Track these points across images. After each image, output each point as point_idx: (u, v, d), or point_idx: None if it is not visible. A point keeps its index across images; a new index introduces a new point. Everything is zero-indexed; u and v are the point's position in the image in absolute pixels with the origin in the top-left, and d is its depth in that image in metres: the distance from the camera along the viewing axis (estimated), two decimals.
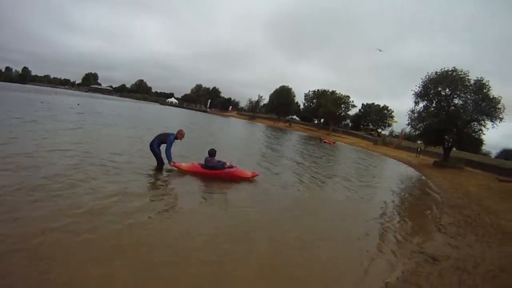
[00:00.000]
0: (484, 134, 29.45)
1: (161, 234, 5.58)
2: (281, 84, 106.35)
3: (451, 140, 30.92)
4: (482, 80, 28.21)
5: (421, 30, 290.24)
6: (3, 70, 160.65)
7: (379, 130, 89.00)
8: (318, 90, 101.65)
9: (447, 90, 29.93)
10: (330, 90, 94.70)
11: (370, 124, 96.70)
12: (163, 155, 9.98)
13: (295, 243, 6.31)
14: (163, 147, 10.01)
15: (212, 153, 10.32)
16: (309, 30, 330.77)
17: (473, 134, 29.52)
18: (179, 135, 10.23)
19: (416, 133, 34.03)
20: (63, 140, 12.18)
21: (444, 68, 30.38)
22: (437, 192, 16.60)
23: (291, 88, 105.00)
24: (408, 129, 36.19)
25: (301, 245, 6.24)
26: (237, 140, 28.38)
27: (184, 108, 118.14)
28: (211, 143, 17.96)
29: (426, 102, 32.17)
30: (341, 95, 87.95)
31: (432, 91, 31.00)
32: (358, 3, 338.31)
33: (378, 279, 5.32)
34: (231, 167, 10.45)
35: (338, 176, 16.04)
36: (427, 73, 31.59)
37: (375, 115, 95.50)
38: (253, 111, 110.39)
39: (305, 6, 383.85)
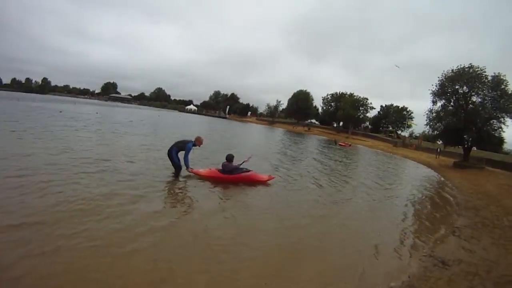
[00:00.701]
0: (504, 131, 28.52)
1: (193, 254, 5.24)
2: (300, 88, 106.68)
3: (470, 139, 30.03)
4: (499, 76, 27.36)
5: (439, 27, 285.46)
6: (23, 81, 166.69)
7: (399, 132, 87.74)
8: (336, 93, 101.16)
9: (465, 87, 29.16)
10: (348, 93, 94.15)
11: (389, 126, 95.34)
12: (182, 162, 10.09)
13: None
14: (181, 154, 10.12)
15: (229, 158, 10.51)
16: (326, 33, 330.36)
17: (493, 132, 28.56)
18: (197, 142, 10.38)
19: (435, 133, 33.22)
20: (82, 149, 12.63)
21: (461, 65, 29.61)
22: (455, 193, 15.98)
23: (309, 92, 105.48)
24: (426, 129, 35.28)
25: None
26: (257, 145, 28.54)
27: (203, 115, 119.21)
28: (232, 148, 18.75)
29: (444, 101, 31.39)
30: (359, 97, 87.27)
31: (449, 90, 30.24)
32: (375, 3, 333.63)
33: (383, 283, 5.17)
34: (247, 171, 10.62)
35: (358, 180, 15.76)
36: (444, 71, 30.89)
37: (394, 117, 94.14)
38: (272, 116, 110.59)
39: (321, 9, 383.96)
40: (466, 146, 30.80)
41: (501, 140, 30.84)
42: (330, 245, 6.63)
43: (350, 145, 47.62)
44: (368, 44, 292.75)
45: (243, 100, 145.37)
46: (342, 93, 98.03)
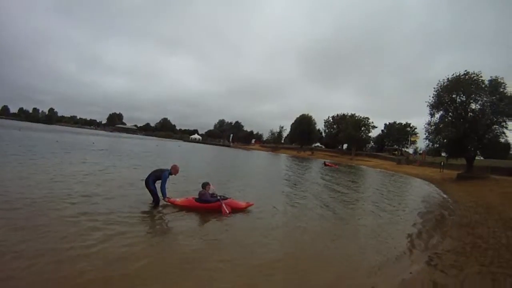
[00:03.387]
0: (507, 136, 26.63)
1: None
2: (312, 113, 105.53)
3: (473, 149, 28.17)
4: (496, 79, 25.82)
5: (450, 45, 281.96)
6: (31, 111, 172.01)
7: (404, 149, 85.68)
8: (337, 115, 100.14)
9: (462, 95, 27.53)
10: (349, 114, 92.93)
11: (393, 144, 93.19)
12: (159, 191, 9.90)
13: None
14: (158, 183, 9.89)
15: (204, 186, 10.26)
16: (341, 58, 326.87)
17: (496, 138, 26.75)
18: (173, 170, 10.14)
19: (435, 147, 31.37)
20: (58, 178, 12.28)
21: (456, 73, 28.22)
22: (452, 209, 14.05)
23: (311, 116, 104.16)
24: (425, 143, 33.46)
25: None
26: (257, 172, 27.81)
27: (207, 143, 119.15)
28: (233, 176, 19.85)
29: (442, 112, 29.73)
30: (360, 117, 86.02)
31: (446, 100, 28.59)
32: (387, 29, 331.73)
33: None
34: (225, 198, 10.26)
35: (346, 202, 14.37)
36: (439, 81, 29.46)
37: (398, 134, 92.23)
38: (276, 142, 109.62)
39: (337, 35, 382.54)
40: (468, 156, 28.98)
41: (507, 146, 28.68)
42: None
43: (336, 165, 47.08)
44: (382, 66, 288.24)
45: (252, 127, 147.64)
46: (343, 114, 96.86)
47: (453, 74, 28.36)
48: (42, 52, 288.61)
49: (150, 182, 9.78)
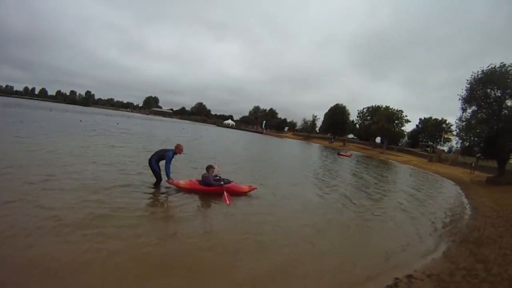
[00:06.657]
0: None
1: None
2: (353, 105, 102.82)
3: (506, 150, 25.37)
4: None
5: (505, 43, 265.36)
6: (68, 94, 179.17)
7: (438, 146, 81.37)
8: (372, 106, 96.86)
9: (497, 90, 24.86)
10: (384, 106, 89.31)
11: (428, 140, 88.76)
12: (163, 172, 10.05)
13: None
14: (162, 163, 10.01)
15: (208, 169, 10.29)
16: (392, 49, 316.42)
17: None
18: (177, 150, 10.13)
19: (466, 145, 28.81)
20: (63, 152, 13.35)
21: (491, 64, 25.39)
22: (465, 218, 12.27)
23: (345, 106, 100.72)
24: (456, 140, 30.88)
25: None
26: (282, 161, 27.11)
27: (240, 129, 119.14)
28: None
29: (474, 107, 27.04)
30: (394, 110, 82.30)
31: (480, 94, 26.02)
32: (443, 23, 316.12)
33: None
34: (228, 182, 10.38)
35: (345, 199, 12.94)
36: (473, 72, 26.62)
37: (433, 130, 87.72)
38: (309, 131, 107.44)
39: (392, 24, 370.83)
40: (500, 158, 26.37)
41: None
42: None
43: (351, 155, 46.88)
44: (432, 60, 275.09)
45: (289, 116, 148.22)
46: (378, 106, 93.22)
47: (488, 66, 25.62)
48: (84, 38, 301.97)
49: (153, 162, 9.87)
